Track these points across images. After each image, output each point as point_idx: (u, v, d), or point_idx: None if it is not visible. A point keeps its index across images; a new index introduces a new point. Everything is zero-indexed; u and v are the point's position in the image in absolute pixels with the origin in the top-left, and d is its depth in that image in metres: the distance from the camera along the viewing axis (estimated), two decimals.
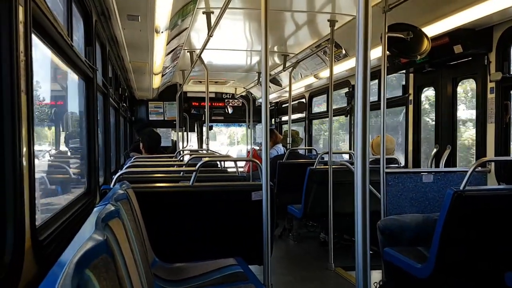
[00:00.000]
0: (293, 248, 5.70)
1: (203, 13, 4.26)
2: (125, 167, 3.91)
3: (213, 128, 12.13)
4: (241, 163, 8.22)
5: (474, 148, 4.21)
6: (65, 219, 2.17)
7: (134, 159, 4.73)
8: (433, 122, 4.77)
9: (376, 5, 3.73)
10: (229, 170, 5.64)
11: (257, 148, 8.67)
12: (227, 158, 6.07)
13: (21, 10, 1.49)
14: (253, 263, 3.14)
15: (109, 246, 1.28)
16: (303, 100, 8.71)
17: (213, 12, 4.24)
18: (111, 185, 3.15)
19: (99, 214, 1.51)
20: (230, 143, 25.07)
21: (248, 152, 10.07)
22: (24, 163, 1.51)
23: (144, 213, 2.76)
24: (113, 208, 1.72)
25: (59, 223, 2.05)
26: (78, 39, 3.26)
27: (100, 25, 3.75)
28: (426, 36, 3.68)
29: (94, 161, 3.38)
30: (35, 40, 1.91)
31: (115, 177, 3.29)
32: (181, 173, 3.87)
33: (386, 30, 3.47)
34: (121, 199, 2.13)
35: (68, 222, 2.18)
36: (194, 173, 3.21)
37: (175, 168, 4.28)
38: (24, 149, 1.51)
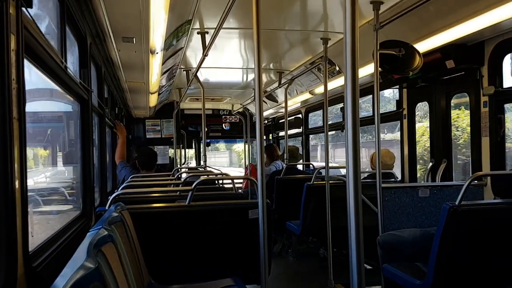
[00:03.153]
0: (292, 264, 5.65)
1: (198, 33, 4.30)
2: (121, 187, 3.90)
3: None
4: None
5: None
6: (59, 243, 2.16)
7: (131, 178, 4.72)
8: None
9: (367, 23, 3.78)
10: (226, 186, 5.62)
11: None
12: (224, 176, 6.05)
13: (13, 38, 1.51)
14: (251, 283, 3.12)
15: (100, 273, 1.27)
16: (300, 115, 8.74)
17: (207, 32, 4.27)
18: (107, 207, 3.14)
19: (91, 240, 1.50)
20: None
21: (246, 167, 10.04)
22: (17, 190, 1.51)
23: (140, 234, 2.74)
24: (106, 232, 1.71)
25: (53, 248, 2.04)
26: (73, 61, 3.28)
27: (95, 47, 3.78)
28: (418, 52, 3.71)
29: (90, 183, 3.37)
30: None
31: (110, 198, 3.27)
32: (178, 192, 3.86)
33: (378, 48, 3.50)
34: (115, 222, 2.12)
35: (63, 247, 2.16)
36: (190, 192, 3.20)
37: (171, 188, 4.26)
38: (16, 174, 1.51)
